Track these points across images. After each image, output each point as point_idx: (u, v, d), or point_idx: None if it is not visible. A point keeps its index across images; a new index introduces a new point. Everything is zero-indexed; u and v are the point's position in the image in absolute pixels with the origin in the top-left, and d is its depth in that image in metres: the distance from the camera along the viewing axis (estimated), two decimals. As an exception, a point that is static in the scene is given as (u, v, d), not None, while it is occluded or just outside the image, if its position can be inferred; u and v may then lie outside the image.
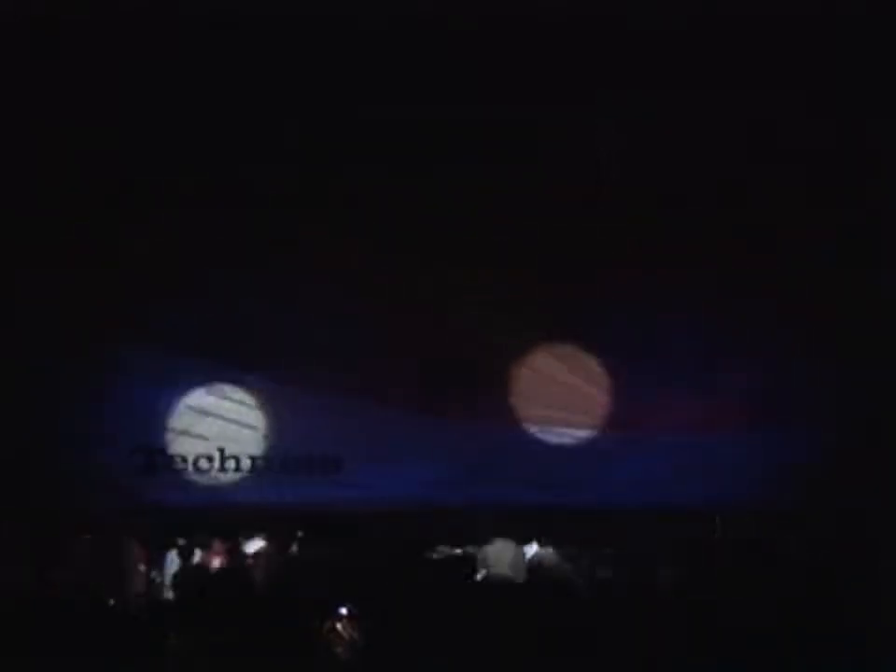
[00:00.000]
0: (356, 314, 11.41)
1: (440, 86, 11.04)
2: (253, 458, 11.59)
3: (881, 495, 11.03)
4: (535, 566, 11.22)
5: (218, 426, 11.65)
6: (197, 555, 11.35)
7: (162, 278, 11.43)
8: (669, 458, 11.42)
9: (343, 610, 10.44)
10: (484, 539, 11.28)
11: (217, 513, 11.40)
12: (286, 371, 11.58)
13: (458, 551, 11.38)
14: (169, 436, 11.56)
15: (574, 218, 11.41)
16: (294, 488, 11.38)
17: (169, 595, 10.74)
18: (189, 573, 10.80)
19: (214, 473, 11.52)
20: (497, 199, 11.32)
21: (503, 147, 11.24)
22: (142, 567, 11.24)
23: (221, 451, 11.53)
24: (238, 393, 11.69)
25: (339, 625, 10.35)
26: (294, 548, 11.45)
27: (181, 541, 11.36)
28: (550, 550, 11.46)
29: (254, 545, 11.44)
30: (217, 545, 11.30)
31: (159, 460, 11.48)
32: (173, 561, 11.32)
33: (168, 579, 11.03)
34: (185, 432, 11.59)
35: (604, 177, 11.39)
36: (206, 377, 11.63)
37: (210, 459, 11.53)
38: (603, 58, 11.03)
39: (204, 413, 11.65)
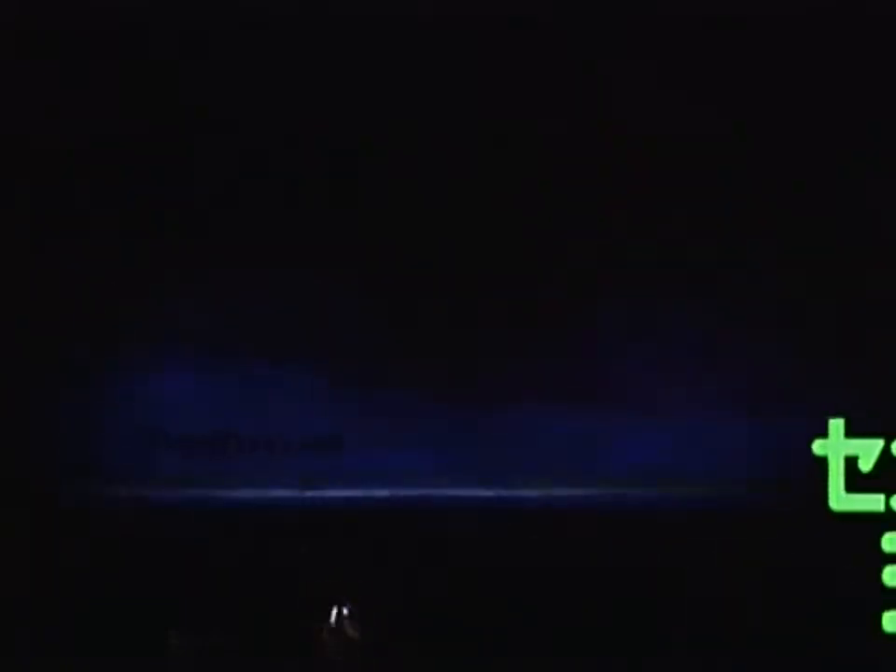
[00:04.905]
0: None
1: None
2: (254, 448, 11.60)
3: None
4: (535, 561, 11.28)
5: (219, 414, 11.67)
6: (196, 553, 11.40)
7: (162, 269, 11.44)
8: (668, 450, 11.43)
9: (344, 610, 10.51)
10: (483, 534, 11.31)
11: (217, 509, 11.41)
12: (285, 357, 11.59)
13: (458, 547, 11.40)
14: (169, 427, 11.57)
15: (575, 205, 11.39)
16: (294, 483, 11.41)
17: (169, 593, 10.83)
18: (188, 571, 10.88)
19: (214, 466, 11.53)
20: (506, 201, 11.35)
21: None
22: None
23: (222, 444, 11.54)
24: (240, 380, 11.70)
25: (339, 625, 10.42)
26: (293, 547, 11.47)
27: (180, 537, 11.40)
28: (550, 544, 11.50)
29: (254, 543, 11.47)
30: (218, 542, 11.35)
31: (159, 452, 11.50)
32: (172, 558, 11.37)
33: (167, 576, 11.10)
34: (185, 423, 11.60)
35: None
36: (206, 365, 11.64)
37: (211, 450, 11.55)
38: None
39: (204, 401, 11.66)
